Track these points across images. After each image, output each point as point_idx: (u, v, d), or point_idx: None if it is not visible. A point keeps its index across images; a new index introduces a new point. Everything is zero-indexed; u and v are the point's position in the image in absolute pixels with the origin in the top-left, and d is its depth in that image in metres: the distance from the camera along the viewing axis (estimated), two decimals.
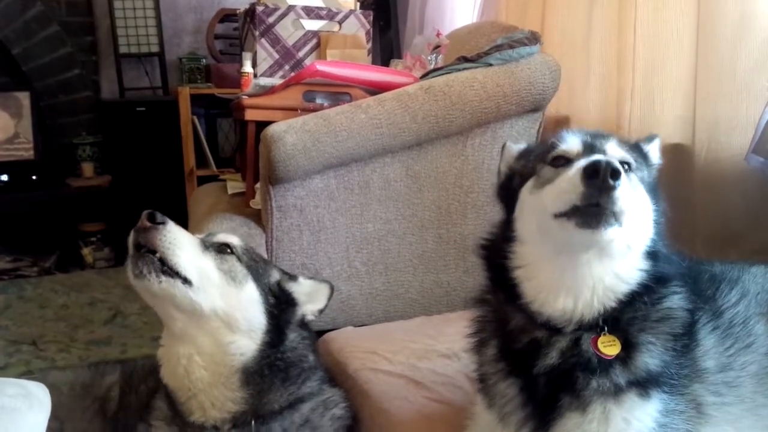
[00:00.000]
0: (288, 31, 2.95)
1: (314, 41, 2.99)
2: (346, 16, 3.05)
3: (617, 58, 2.06)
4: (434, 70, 2.05)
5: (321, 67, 2.11)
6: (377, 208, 1.91)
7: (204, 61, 4.19)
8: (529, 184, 1.02)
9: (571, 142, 0.99)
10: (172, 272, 1.17)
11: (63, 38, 4.05)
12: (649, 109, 1.92)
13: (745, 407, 1.00)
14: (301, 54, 2.98)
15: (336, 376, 1.51)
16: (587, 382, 0.94)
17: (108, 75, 4.23)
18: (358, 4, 3.40)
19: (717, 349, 1.01)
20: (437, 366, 1.53)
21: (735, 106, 1.65)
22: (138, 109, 3.97)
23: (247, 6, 3.07)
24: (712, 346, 1.01)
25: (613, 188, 0.85)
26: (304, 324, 1.34)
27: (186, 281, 1.18)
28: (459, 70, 1.93)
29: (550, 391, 0.96)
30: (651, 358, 0.95)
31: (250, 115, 2.10)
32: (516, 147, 1.16)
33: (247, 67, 2.95)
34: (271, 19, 2.91)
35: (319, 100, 2.10)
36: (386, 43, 4.05)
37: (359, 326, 1.86)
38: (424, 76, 2.02)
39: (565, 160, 0.97)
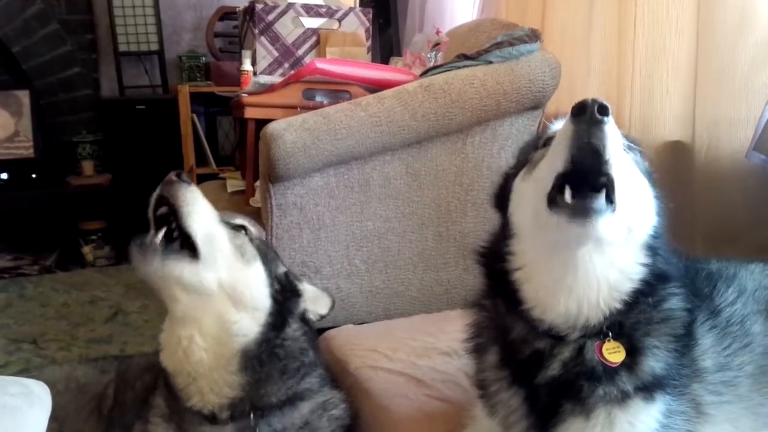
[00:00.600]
0: (287, 29, 2.95)
1: (314, 39, 2.99)
2: (345, 14, 3.04)
3: (617, 55, 2.06)
4: (434, 67, 2.05)
5: (320, 65, 2.11)
6: (377, 206, 1.91)
7: (203, 59, 4.19)
8: (522, 172, 1.00)
9: (561, 123, 0.96)
10: (182, 237, 1.17)
11: (63, 36, 4.05)
12: (649, 106, 1.92)
13: (744, 406, 1.00)
14: (300, 52, 2.98)
15: (336, 373, 1.51)
16: (592, 391, 0.92)
17: (108, 73, 4.23)
18: (358, 1, 3.40)
19: (715, 348, 1.00)
20: (437, 364, 1.52)
21: (735, 104, 1.64)
22: (138, 107, 3.98)
23: (247, 4, 3.07)
24: (710, 345, 1.00)
25: (601, 122, 0.85)
26: (305, 319, 1.34)
27: (193, 254, 1.17)
28: (459, 67, 1.93)
29: (552, 399, 0.95)
30: (656, 362, 0.93)
31: (250, 113, 2.10)
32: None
33: (247, 65, 2.95)
34: (270, 17, 2.91)
35: (318, 98, 2.10)
36: (386, 41, 4.04)
37: (359, 324, 1.86)
38: (423, 74, 2.02)
39: None
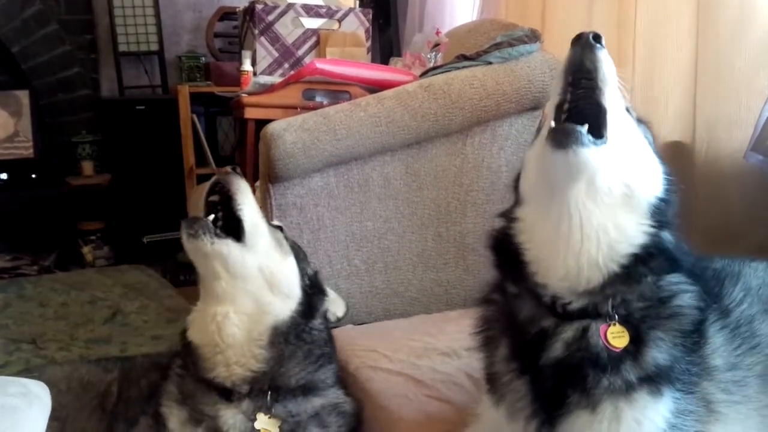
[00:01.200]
0: (287, 29, 2.95)
1: (314, 39, 3.00)
2: (345, 14, 3.05)
3: (617, 56, 2.05)
4: (434, 68, 2.05)
5: (320, 65, 2.11)
6: (377, 206, 1.91)
7: (203, 59, 4.19)
8: (532, 143, 1.05)
9: None
10: (231, 219, 1.27)
11: (62, 36, 4.05)
12: (649, 106, 1.92)
13: (753, 407, 1.00)
14: (300, 52, 2.98)
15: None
16: (598, 381, 0.92)
17: (107, 73, 4.23)
18: (358, 2, 3.40)
19: (726, 348, 1.00)
20: (437, 364, 1.53)
21: (735, 103, 1.65)
22: (137, 107, 3.98)
23: (247, 4, 3.07)
24: (720, 344, 1.00)
25: (594, 47, 0.93)
26: (326, 318, 1.43)
27: (238, 239, 1.26)
28: (458, 68, 1.93)
29: (556, 385, 0.95)
30: (660, 352, 0.93)
31: (250, 113, 2.10)
32: None
33: (247, 66, 2.95)
34: (270, 18, 2.92)
35: (318, 99, 2.10)
36: (386, 42, 4.04)
37: (359, 324, 1.86)
38: (423, 75, 2.02)
39: None
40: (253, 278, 1.27)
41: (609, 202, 0.93)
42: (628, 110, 1.01)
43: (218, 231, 1.26)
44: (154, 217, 3.88)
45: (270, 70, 2.95)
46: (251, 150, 2.10)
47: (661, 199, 0.97)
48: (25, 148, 3.97)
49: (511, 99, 1.90)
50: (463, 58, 1.97)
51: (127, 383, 1.49)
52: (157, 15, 4.13)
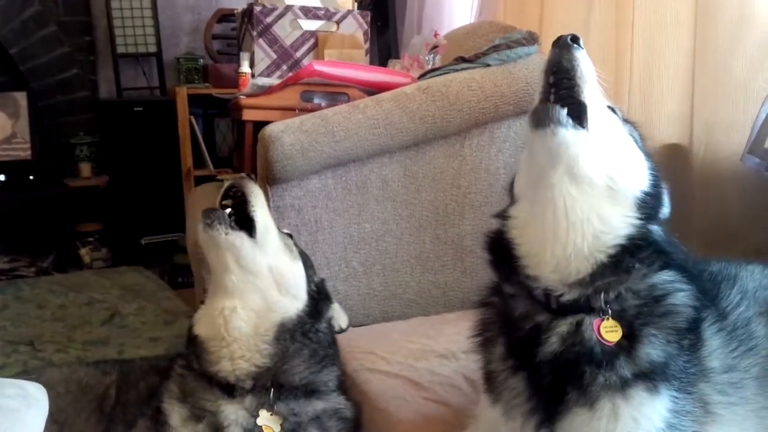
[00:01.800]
0: (286, 31, 2.95)
1: (312, 41, 3.00)
2: (343, 17, 3.05)
3: (615, 58, 2.06)
4: (432, 70, 2.05)
5: (319, 67, 2.11)
6: (375, 208, 1.91)
7: (201, 61, 4.19)
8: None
9: None
10: (244, 220, 1.31)
11: (60, 38, 4.05)
12: (647, 108, 1.93)
13: (750, 409, 1.01)
14: (298, 54, 2.98)
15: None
16: (594, 377, 0.93)
17: (105, 75, 4.23)
18: (356, 4, 3.41)
19: (723, 350, 1.01)
20: (435, 366, 1.53)
21: (733, 106, 1.65)
22: (135, 109, 3.98)
23: (245, 6, 3.07)
24: (717, 347, 1.01)
25: (571, 47, 0.98)
26: (331, 325, 1.44)
27: (250, 235, 1.30)
28: (457, 70, 1.93)
29: (554, 382, 0.96)
30: (653, 349, 0.94)
31: (248, 115, 2.10)
32: None
33: (245, 67, 2.95)
34: (268, 19, 2.91)
35: (316, 100, 2.10)
36: (384, 44, 4.05)
37: (357, 326, 1.86)
38: (421, 77, 2.02)
39: None
40: (262, 275, 1.30)
41: (592, 192, 0.95)
42: (612, 109, 1.04)
43: (233, 224, 1.30)
44: (152, 219, 3.88)
45: (268, 72, 2.95)
46: (249, 152, 2.09)
47: (647, 194, 0.99)
48: (23, 150, 3.97)
49: (509, 101, 1.91)
50: (462, 60, 1.97)
51: (125, 386, 1.49)
52: (155, 17, 4.13)
